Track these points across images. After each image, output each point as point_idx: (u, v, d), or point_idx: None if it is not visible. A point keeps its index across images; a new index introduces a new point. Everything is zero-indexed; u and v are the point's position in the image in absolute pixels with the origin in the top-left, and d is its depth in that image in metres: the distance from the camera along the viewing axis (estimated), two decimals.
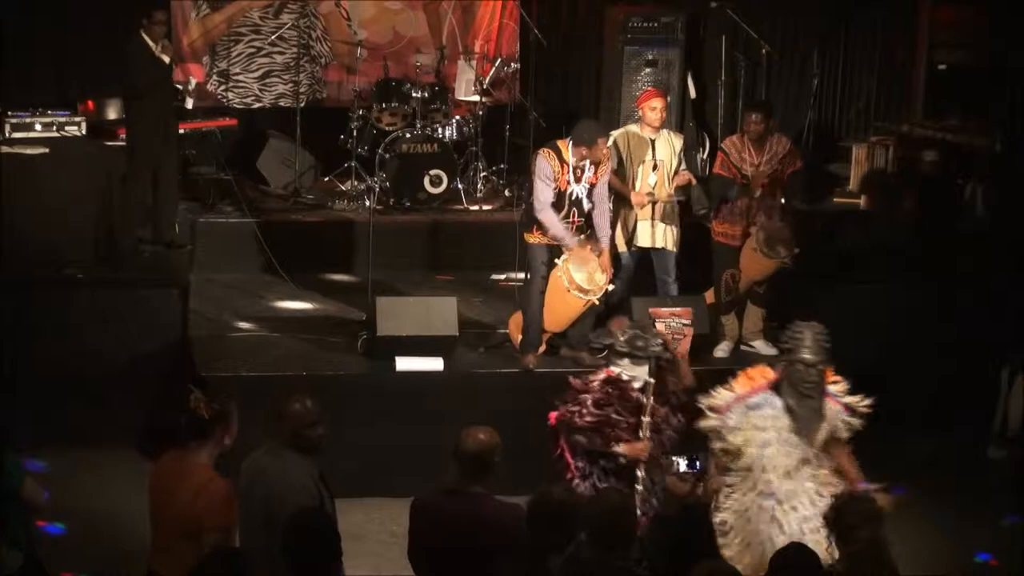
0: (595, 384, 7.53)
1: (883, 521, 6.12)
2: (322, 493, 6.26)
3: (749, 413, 7.30)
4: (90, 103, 12.52)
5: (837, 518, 6.04)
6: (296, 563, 5.50)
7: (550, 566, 5.71)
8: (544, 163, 9.65)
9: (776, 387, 7.36)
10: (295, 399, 6.40)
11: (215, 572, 5.34)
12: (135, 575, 6.56)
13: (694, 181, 10.62)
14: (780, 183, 10.44)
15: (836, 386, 7.52)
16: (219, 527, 6.10)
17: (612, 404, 7.45)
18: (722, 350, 10.52)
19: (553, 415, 7.61)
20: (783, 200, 10.49)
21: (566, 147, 9.68)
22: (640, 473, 7.41)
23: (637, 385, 7.46)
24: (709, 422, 7.33)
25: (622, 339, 7.57)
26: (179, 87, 12.15)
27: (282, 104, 13.66)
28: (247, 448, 6.47)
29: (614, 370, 7.56)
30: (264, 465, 6.31)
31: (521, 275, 10.56)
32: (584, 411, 7.46)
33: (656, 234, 10.44)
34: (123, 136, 12.11)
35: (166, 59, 11.46)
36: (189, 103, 11.99)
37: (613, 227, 10.18)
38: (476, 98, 13.13)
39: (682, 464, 6.98)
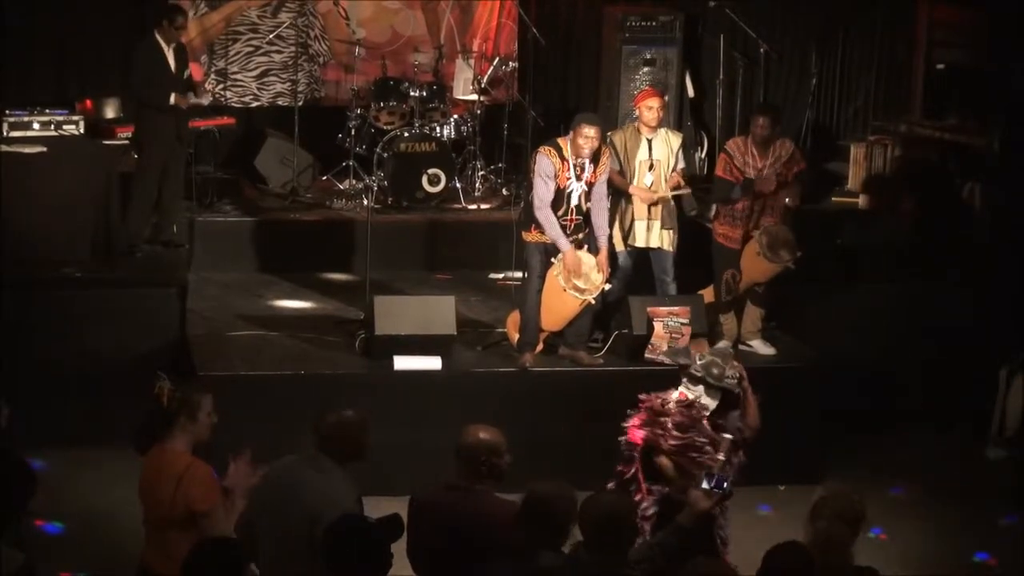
0: (672, 406, 7.31)
1: (853, 522, 6.06)
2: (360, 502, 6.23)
3: None
4: (88, 102, 12.52)
5: (813, 508, 6.07)
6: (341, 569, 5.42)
7: (543, 563, 5.67)
8: (545, 160, 9.64)
9: None
10: (332, 412, 6.37)
11: (208, 561, 5.30)
12: (132, 574, 6.55)
13: (683, 183, 10.57)
14: (784, 186, 10.42)
15: None
16: (207, 512, 6.11)
17: (694, 427, 7.25)
18: None
19: (639, 434, 7.41)
20: (787, 202, 10.45)
21: (566, 145, 9.68)
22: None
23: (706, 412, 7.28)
24: None
25: (699, 363, 7.34)
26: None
27: (280, 103, 13.65)
28: (246, 447, 6.45)
29: (687, 394, 7.39)
30: (303, 476, 6.23)
31: (519, 274, 10.56)
32: (667, 434, 7.27)
33: (652, 235, 10.41)
34: (122, 135, 12.10)
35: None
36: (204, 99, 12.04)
37: (611, 226, 10.16)
38: (474, 97, 13.13)
39: (713, 481, 6.80)
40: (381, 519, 5.66)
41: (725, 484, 6.63)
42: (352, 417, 6.37)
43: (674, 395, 7.45)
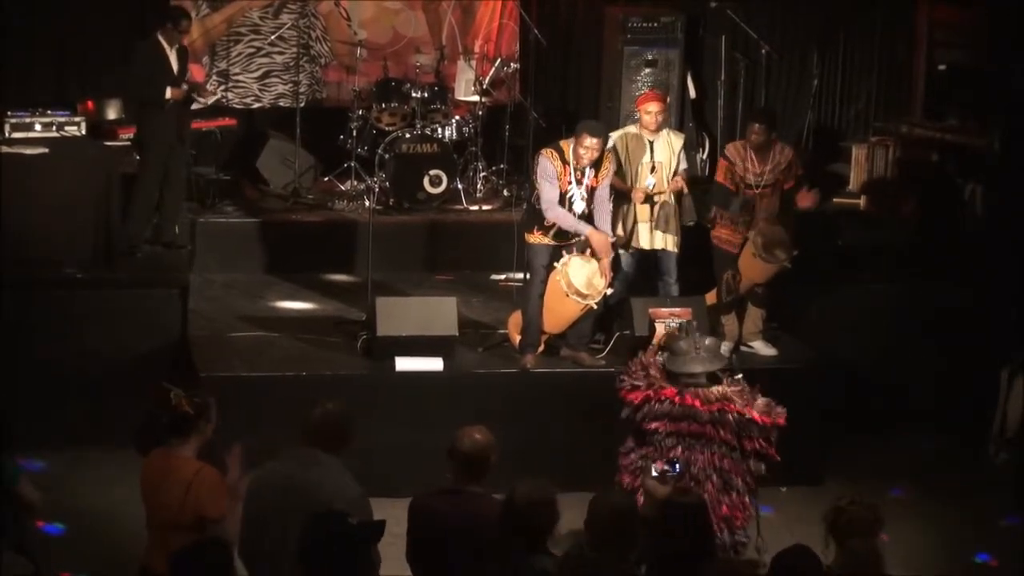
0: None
1: (881, 529, 6.08)
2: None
3: None
4: (90, 103, 12.52)
5: (836, 520, 6.03)
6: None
7: (536, 566, 5.66)
8: (547, 163, 9.64)
9: None
10: (317, 405, 6.43)
11: (198, 563, 5.29)
12: (133, 574, 6.56)
13: (686, 189, 10.55)
14: (780, 191, 10.40)
15: None
16: (218, 518, 6.15)
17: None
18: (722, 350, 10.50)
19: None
20: (803, 206, 10.44)
21: (568, 148, 9.67)
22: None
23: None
24: None
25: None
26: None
27: (282, 104, 13.66)
28: (248, 447, 6.47)
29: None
30: (306, 474, 6.23)
31: (520, 275, 10.56)
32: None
33: (655, 237, 10.41)
34: (123, 136, 12.11)
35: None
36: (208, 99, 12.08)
37: (613, 228, 10.16)
38: (476, 98, 13.12)
39: (664, 468, 6.88)
40: (363, 521, 5.64)
41: (677, 467, 6.68)
42: (337, 408, 6.42)
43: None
